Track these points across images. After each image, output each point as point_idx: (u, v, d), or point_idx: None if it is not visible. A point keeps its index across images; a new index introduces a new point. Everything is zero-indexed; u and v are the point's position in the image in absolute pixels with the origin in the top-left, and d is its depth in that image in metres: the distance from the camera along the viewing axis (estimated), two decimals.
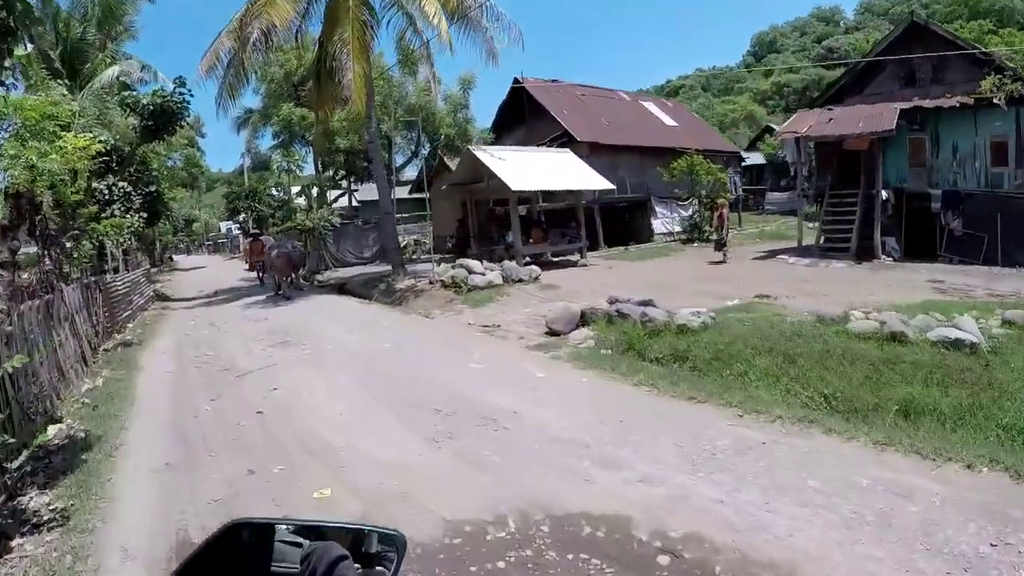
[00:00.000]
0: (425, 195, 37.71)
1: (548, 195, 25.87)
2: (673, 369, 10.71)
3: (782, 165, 44.99)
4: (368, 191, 40.15)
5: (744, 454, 6.81)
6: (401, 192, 40.78)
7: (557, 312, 14.13)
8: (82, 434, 8.71)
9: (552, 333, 13.53)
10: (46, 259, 11.98)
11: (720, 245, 23.90)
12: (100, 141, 23.71)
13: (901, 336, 10.40)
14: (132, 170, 25.49)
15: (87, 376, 12.03)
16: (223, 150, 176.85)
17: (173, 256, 52.16)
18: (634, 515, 5.60)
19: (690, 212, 32.91)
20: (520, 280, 20.06)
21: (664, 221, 33.67)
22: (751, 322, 12.08)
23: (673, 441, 7.29)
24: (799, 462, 6.54)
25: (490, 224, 29.38)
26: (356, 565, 1.70)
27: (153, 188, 25.81)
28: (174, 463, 7.63)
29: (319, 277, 28.74)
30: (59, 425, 9.15)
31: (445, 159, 32.52)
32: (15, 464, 7.42)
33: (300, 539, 1.76)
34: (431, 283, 20.77)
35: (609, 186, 26.04)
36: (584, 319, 13.79)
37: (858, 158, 22.87)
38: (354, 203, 38.42)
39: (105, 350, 14.30)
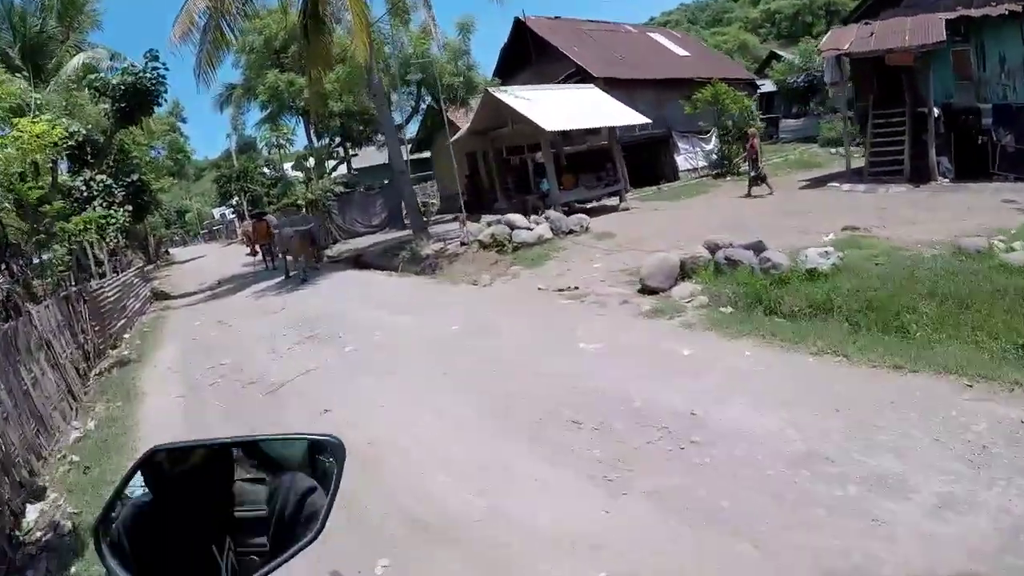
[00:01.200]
0: (427, 154, 34.90)
1: (577, 136, 22.71)
2: (824, 326, 8.29)
3: (793, 91, 41.93)
4: (367, 157, 36.83)
5: (1019, 441, 4.86)
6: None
7: (653, 265, 11.29)
8: (69, 524, 5.80)
9: (649, 291, 10.89)
10: (5, 274, 8.97)
11: (760, 179, 21.00)
12: (70, 132, 20.94)
13: None
14: (110, 161, 22.44)
15: (76, 416, 9.12)
16: (207, 138, 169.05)
17: (169, 250, 48.78)
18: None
19: (711, 146, 30.04)
20: (571, 231, 17.16)
21: (687, 157, 30.81)
22: (884, 260, 9.92)
23: (926, 434, 5.14)
24: None
25: (505, 176, 26.39)
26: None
27: (136, 177, 22.76)
28: None
29: (329, 252, 25.66)
30: (41, 505, 6.33)
31: (448, 113, 29.21)
32: None
33: (262, 475, 1.51)
34: (464, 245, 17.96)
35: (645, 120, 22.98)
36: (683, 270, 11.13)
37: (899, 75, 20.29)
38: (351, 171, 34.87)
39: (98, 374, 11.34)
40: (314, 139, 31.84)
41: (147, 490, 1.52)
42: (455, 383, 8.09)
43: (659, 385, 6.88)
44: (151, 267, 33.36)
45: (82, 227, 12.25)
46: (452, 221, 26.05)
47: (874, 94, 20.75)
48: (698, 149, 30.68)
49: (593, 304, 10.88)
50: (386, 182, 31.35)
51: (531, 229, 16.81)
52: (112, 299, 14.31)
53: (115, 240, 20.08)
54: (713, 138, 29.83)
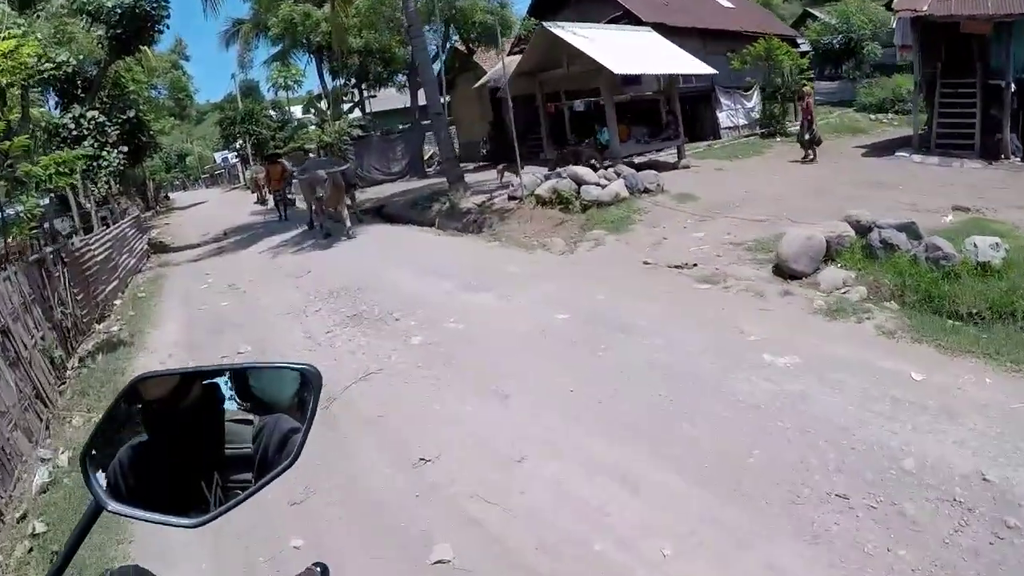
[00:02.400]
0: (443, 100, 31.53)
1: (634, 82, 19.59)
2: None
3: (827, 53, 38.73)
4: (383, 101, 33.36)
5: None
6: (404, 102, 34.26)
7: (796, 244, 8.64)
8: None
9: (788, 274, 8.42)
10: None
11: (813, 141, 18.23)
12: (57, 62, 17.67)
13: None
14: (104, 96, 19.25)
15: (48, 431, 6.29)
16: (210, 80, 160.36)
17: (169, 195, 45.24)
18: None
19: (752, 103, 27.08)
20: (646, 190, 14.30)
21: (729, 114, 27.76)
22: None
23: None
24: None
25: (530, 126, 23.10)
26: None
27: (132, 114, 19.59)
28: None
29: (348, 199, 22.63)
30: None
31: (475, 56, 25.98)
32: None
33: (250, 416, 1.46)
34: (514, 199, 15.20)
35: (710, 71, 19.92)
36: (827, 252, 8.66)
37: (969, 44, 17.81)
38: (366, 115, 31.16)
39: (80, 361, 8.39)
40: (327, 79, 28.46)
41: (137, 431, 1.41)
42: (606, 414, 5.32)
43: (916, 431, 4.57)
44: (149, 214, 30.08)
45: (53, 170, 9.11)
46: (476, 171, 23.17)
47: (941, 61, 18.31)
48: (739, 107, 27.75)
49: (742, 292, 8.02)
50: (406, 126, 28.15)
51: (602, 185, 13.96)
52: (100, 258, 11.30)
53: (106, 186, 16.99)
54: (755, 96, 26.97)
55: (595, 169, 15.88)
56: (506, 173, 18.11)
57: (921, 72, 18.75)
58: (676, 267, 9.39)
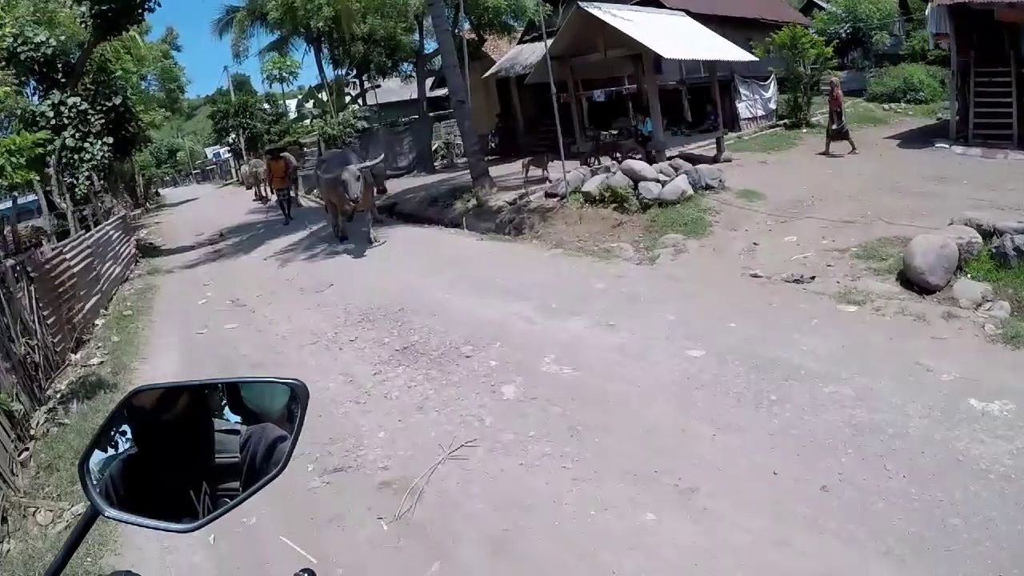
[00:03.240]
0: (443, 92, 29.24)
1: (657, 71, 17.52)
2: None
3: (834, 41, 37.02)
4: (387, 91, 31.02)
5: None
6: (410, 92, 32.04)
7: (930, 252, 7.21)
8: None
9: (920, 287, 7.02)
10: None
11: (841, 133, 16.43)
12: (36, 43, 15.47)
13: None
14: (87, 81, 16.96)
15: (7, 532, 4.17)
16: (201, 75, 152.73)
17: (159, 191, 42.56)
18: None
19: (769, 94, 25.49)
20: (707, 187, 12.27)
21: (748, 105, 25.84)
22: None
23: None
24: None
25: (541, 118, 21.52)
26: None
27: (119, 101, 17.29)
28: None
29: None
30: None
31: (484, 45, 23.81)
32: None
33: (238, 426, 1.47)
34: (553, 197, 13.13)
35: (751, 58, 18.06)
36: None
37: (1001, 33, 16.56)
38: (366, 107, 28.52)
39: (50, 412, 6.18)
40: (327, 69, 26.16)
41: (132, 441, 1.43)
42: (843, 512, 3.50)
43: None
44: (139, 211, 27.61)
45: (3, 160, 6.80)
46: (494, 163, 21.08)
47: (974, 51, 16.94)
48: (758, 97, 25.97)
49: (899, 315, 6.16)
50: (413, 118, 25.91)
51: (661, 182, 11.89)
52: (78, 268, 9.02)
53: (88, 182, 14.70)
54: (772, 86, 25.41)
55: (650, 162, 13.95)
56: (532, 167, 16.09)
57: (956, 61, 17.29)
58: (794, 281, 7.48)
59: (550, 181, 14.15)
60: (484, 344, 6.52)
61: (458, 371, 6.04)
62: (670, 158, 14.68)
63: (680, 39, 15.92)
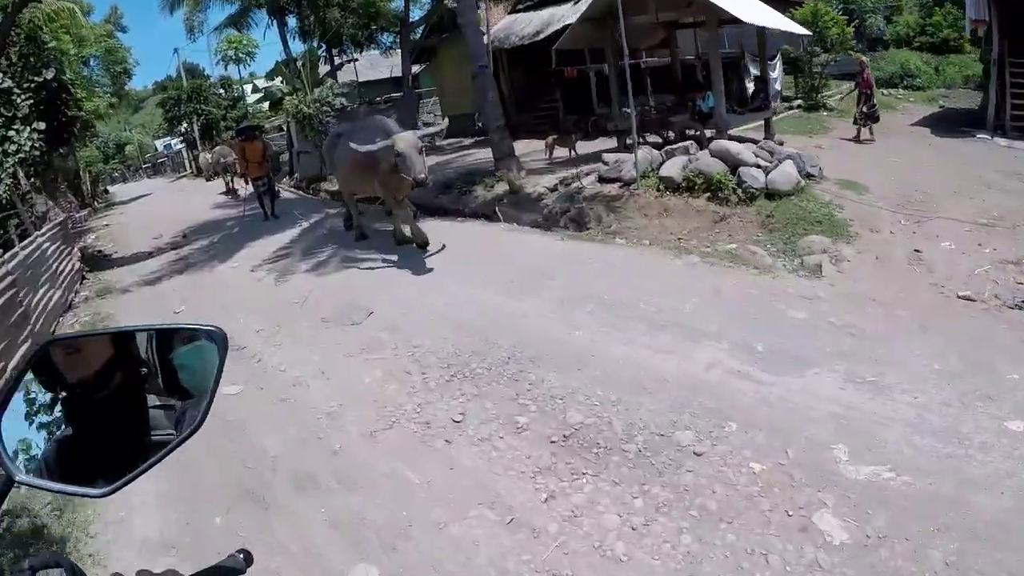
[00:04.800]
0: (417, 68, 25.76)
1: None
2: None
3: None
4: (369, 65, 27.06)
5: None
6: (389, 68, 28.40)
7: None
8: None
9: None
10: None
11: (871, 118, 14.16)
12: None
13: None
14: (12, 55, 13.26)
15: None
16: (148, 62, 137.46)
17: (108, 188, 37.78)
18: None
19: (776, 73, 23.16)
20: (809, 175, 9.55)
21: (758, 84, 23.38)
22: None
23: None
24: None
25: (537, 94, 18.97)
26: None
27: (51, 76, 13.55)
28: None
29: (332, 185, 16.82)
30: None
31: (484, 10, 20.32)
32: None
33: (172, 401, 1.34)
34: (608, 181, 10.30)
35: (806, 32, 15.42)
36: None
37: None
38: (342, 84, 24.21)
39: None
40: (295, 44, 22.31)
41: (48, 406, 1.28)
42: None
43: None
44: (85, 213, 23.32)
45: None
46: (474, 146, 17.93)
47: (1009, 39, 15.27)
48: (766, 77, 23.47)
49: None
50: (391, 97, 22.40)
51: (763, 168, 8.96)
52: None
53: (11, 180, 11.00)
54: (778, 66, 22.44)
55: (699, 143, 11.12)
56: (556, 147, 13.29)
57: (997, 50, 15.43)
58: (1016, 307, 5.36)
59: (609, 164, 11.01)
60: (708, 427, 3.69)
61: (699, 486, 3.11)
62: (700, 140, 11.68)
63: (737, 3, 12.87)
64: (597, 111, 16.39)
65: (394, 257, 8.64)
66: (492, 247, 8.75)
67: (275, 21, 22.16)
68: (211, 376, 1.30)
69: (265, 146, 13.76)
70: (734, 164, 9.00)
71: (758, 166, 8.98)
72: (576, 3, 19.03)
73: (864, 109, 14.07)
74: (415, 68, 27.37)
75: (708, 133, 12.12)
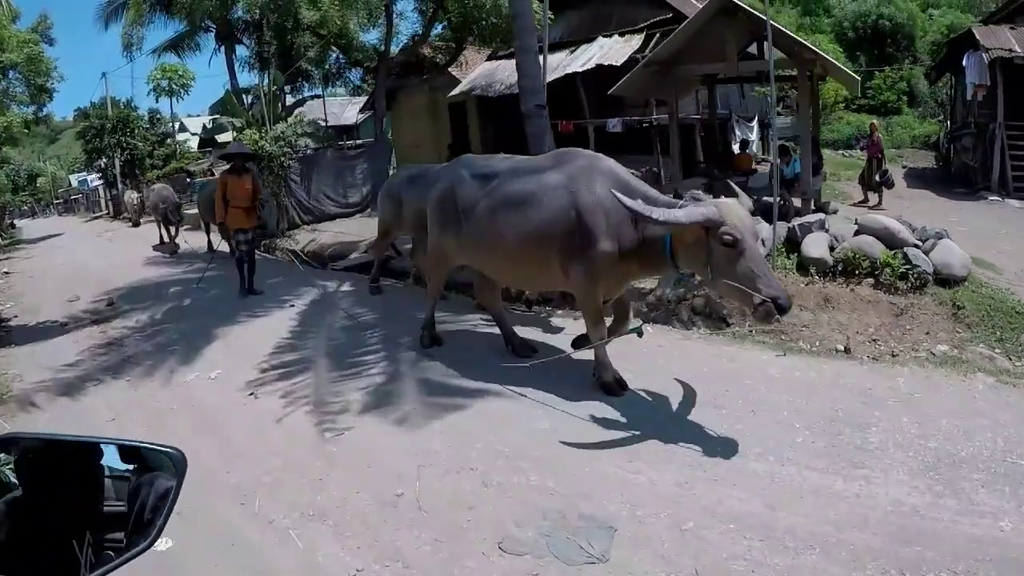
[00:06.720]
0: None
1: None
2: None
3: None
4: (316, 109, 23.56)
5: None
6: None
7: None
8: None
9: None
10: None
11: (884, 184, 13.20)
12: None
13: None
14: None
15: None
16: (70, 89, 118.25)
17: (15, 223, 32.17)
18: None
19: (754, 136, 22.22)
20: None
21: (741, 146, 22.03)
22: None
23: None
24: None
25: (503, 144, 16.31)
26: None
27: None
28: None
29: (294, 245, 13.34)
30: None
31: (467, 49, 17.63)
32: None
33: (128, 473, 1.40)
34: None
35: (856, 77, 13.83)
36: None
37: None
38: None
39: None
40: (241, 74, 18.81)
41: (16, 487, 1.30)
42: None
43: None
44: None
45: None
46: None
47: (1003, 104, 15.59)
48: (745, 138, 22.16)
49: None
50: (361, 143, 19.27)
51: (922, 247, 7.04)
52: None
53: None
54: (756, 126, 22.18)
55: (785, 213, 8.70)
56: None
57: (1002, 113, 15.48)
58: None
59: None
60: None
61: None
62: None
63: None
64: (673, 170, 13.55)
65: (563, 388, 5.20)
66: (724, 375, 5.42)
67: (223, 47, 18.70)
68: (166, 499, 1.25)
69: (256, 186, 9.71)
70: (890, 243, 7.00)
71: (916, 246, 6.98)
72: (572, 51, 16.76)
73: (878, 177, 13.24)
74: (360, 116, 24.30)
75: (795, 201, 9.83)
